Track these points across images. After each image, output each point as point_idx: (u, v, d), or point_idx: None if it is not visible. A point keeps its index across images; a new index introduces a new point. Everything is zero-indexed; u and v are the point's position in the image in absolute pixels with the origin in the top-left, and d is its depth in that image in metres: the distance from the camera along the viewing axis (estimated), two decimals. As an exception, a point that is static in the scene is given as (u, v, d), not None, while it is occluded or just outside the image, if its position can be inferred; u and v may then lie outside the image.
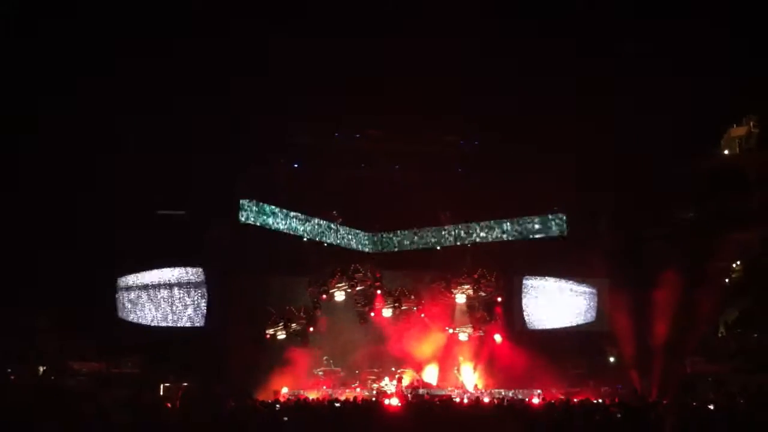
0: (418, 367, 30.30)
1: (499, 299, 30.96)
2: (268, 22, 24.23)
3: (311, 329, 29.59)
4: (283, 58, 24.77)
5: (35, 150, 24.42)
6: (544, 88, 26.07)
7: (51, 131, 24.35)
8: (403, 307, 30.73)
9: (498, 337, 30.62)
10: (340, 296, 30.08)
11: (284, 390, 27.27)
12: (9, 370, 23.37)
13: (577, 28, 24.66)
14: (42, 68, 23.33)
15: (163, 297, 29.73)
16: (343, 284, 29.95)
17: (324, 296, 29.96)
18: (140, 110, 25.52)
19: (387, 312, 30.62)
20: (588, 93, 25.58)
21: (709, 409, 17.61)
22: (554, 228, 31.17)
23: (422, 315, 30.88)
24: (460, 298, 30.82)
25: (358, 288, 30.15)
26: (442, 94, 25.88)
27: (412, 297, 30.79)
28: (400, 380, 28.48)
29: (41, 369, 25.25)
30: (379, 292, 30.38)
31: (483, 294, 30.61)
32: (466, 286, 30.65)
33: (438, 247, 32.04)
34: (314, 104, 26.64)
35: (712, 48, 24.29)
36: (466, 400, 21.68)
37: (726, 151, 29.81)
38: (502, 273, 31.16)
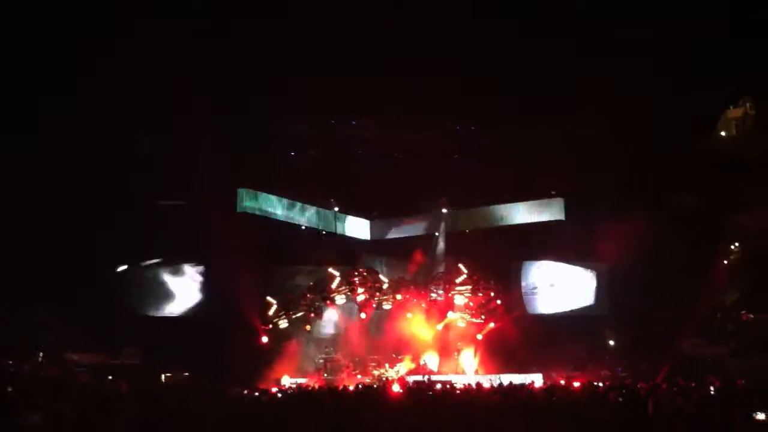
0: (418, 354, 30.26)
1: (498, 302, 30.32)
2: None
3: (312, 315, 29.58)
4: (279, 49, 24.70)
5: (34, 145, 24.31)
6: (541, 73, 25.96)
7: (49, 128, 24.23)
8: (399, 298, 30.51)
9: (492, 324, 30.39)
10: (341, 300, 30.05)
11: (285, 378, 27.30)
12: (10, 362, 23.28)
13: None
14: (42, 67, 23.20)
15: (161, 287, 29.79)
16: (344, 288, 29.90)
17: (327, 302, 29.93)
18: (136, 106, 25.44)
19: (387, 306, 30.57)
20: (583, 75, 25.49)
21: (708, 390, 17.67)
22: (552, 212, 31.18)
23: (423, 304, 30.72)
24: (459, 300, 30.61)
25: (359, 291, 30.00)
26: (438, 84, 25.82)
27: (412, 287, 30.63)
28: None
29: (40, 358, 25.13)
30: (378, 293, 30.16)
31: (481, 295, 30.25)
32: (464, 288, 30.48)
33: (436, 233, 32.09)
34: (311, 94, 26.55)
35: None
36: (466, 385, 21.70)
37: (723, 133, 29.73)
38: (500, 258, 31.14)
